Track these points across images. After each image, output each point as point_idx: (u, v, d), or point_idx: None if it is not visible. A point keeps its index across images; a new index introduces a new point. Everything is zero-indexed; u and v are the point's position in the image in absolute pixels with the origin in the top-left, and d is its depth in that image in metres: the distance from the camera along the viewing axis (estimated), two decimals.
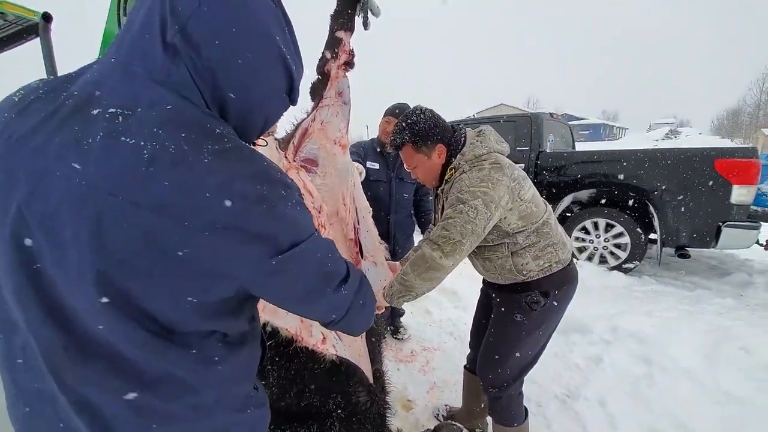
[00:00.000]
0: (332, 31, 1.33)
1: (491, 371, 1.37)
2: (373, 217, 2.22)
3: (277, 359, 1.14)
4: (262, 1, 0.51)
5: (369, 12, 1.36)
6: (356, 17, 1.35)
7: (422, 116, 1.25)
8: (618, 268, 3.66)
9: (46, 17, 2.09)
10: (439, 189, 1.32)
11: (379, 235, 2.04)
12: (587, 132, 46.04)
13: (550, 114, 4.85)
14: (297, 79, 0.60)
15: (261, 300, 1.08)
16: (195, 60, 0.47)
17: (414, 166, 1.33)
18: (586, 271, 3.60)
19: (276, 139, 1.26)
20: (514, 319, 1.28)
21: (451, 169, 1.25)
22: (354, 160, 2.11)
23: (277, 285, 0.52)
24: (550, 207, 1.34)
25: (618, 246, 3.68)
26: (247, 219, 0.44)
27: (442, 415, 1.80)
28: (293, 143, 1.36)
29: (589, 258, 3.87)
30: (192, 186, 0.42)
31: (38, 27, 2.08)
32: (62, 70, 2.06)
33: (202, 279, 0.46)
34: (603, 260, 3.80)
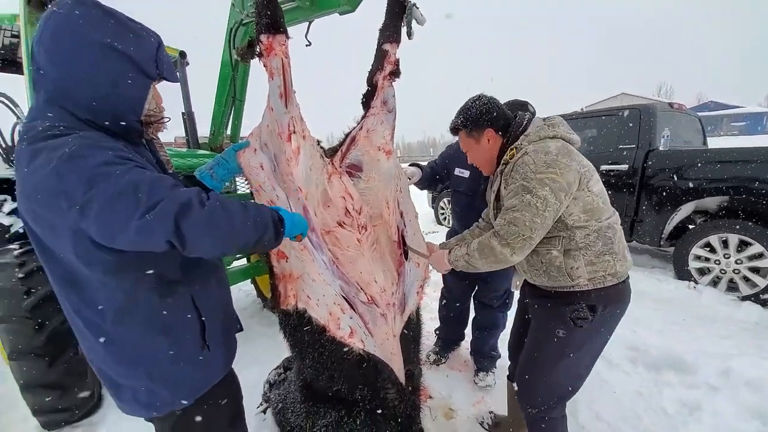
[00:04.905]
0: (380, 44, 1.41)
1: (528, 388, 1.28)
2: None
3: (312, 343, 1.27)
4: (71, 16, 0.67)
5: (414, 21, 1.40)
6: (402, 28, 1.40)
7: (477, 102, 1.30)
8: (754, 298, 2.89)
9: (182, 54, 2.64)
10: (498, 169, 1.28)
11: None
12: (742, 123, 36.40)
13: (670, 104, 4.05)
14: (141, 57, 0.73)
15: (298, 291, 1.23)
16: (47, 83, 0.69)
17: (467, 150, 1.38)
18: (707, 298, 2.95)
19: (322, 147, 1.39)
20: (556, 334, 1.17)
21: (512, 149, 1.21)
22: (436, 162, 2.11)
23: None
24: (617, 214, 1.19)
25: (755, 270, 2.91)
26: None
27: (487, 423, 1.73)
28: (341, 150, 1.48)
29: (714, 282, 3.15)
30: None
31: (176, 63, 2.62)
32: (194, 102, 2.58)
33: None
34: (733, 287, 3.05)
